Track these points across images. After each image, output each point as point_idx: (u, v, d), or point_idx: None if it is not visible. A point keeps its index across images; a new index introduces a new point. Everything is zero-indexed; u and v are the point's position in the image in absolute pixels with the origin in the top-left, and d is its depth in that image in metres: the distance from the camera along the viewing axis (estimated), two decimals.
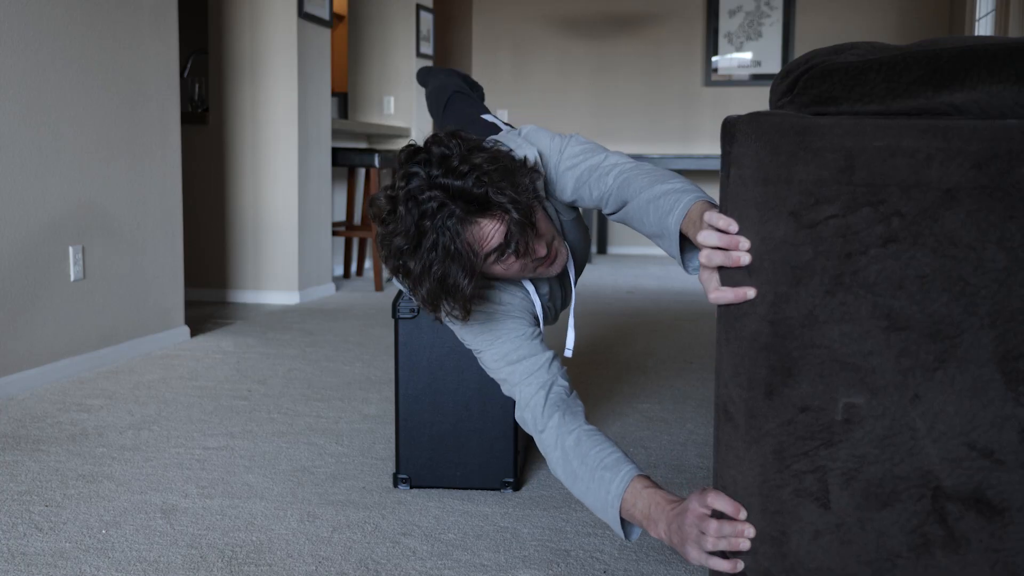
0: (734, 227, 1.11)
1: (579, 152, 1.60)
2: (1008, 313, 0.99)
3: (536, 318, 1.74)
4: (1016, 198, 0.98)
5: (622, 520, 1.45)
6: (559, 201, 1.68)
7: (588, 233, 1.97)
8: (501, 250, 1.47)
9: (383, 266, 1.56)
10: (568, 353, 1.83)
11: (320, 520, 1.98)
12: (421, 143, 1.50)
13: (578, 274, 1.95)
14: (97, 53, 3.35)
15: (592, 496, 1.48)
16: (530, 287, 1.74)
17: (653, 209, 1.40)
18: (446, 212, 1.42)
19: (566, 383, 1.66)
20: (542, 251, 1.55)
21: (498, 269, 1.53)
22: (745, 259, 1.09)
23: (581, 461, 1.51)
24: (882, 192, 1.02)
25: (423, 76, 3.10)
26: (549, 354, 1.68)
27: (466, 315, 1.52)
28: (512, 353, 1.66)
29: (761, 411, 1.11)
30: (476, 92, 2.93)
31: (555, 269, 1.62)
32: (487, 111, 2.53)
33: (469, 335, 1.71)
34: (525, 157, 1.56)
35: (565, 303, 1.93)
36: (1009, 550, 1.02)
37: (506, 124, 2.37)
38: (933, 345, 1.02)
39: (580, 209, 1.80)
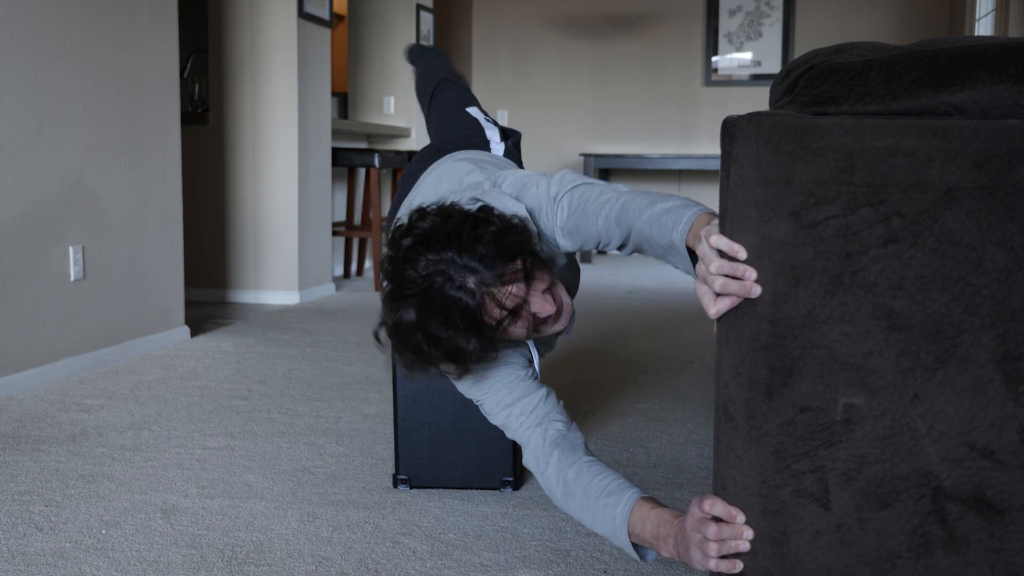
0: (742, 254, 1.10)
1: (569, 191, 1.58)
2: (1008, 313, 0.99)
3: (530, 361, 1.73)
4: (1016, 198, 0.98)
5: (635, 544, 1.45)
6: (555, 248, 1.66)
7: (578, 268, 1.98)
8: (513, 315, 1.47)
9: (394, 354, 1.56)
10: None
11: (320, 520, 1.98)
12: (411, 220, 1.49)
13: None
14: (97, 53, 3.35)
15: (601, 525, 1.48)
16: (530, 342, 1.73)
17: (656, 230, 1.38)
18: (456, 284, 1.41)
19: (563, 418, 1.64)
20: (550, 308, 1.52)
21: (509, 332, 1.52)
22: (756, 290, 1.09)
23: (584, 493, 1.51)
24: (882, 192, 1.02)
25: (412, 55, 3.03)
26: (543, 391, 1.66)
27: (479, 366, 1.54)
28: (507, 397, 1.66)
29: (761, 411, 1.11)
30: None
31: (561, 324, 1.60)
32: (474, 102, 2.50)
33: (466, 387, 1.70)
34: (516, 216, 1.53)
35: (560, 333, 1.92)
36: (1009, 550, 1.02)
37: (488, 120, 2.35)
38: (933, 345, 1.02)
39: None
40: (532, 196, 1.62)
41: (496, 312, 1.44)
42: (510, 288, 1.44)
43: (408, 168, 2.14)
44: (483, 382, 1.67)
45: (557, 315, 1.56)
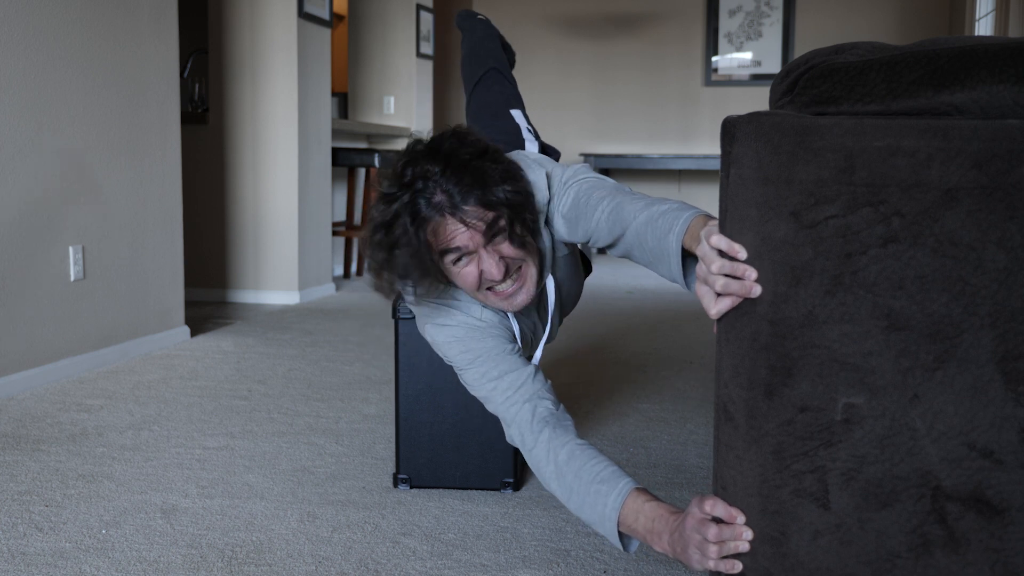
0: (743, 254, 1.10)
1: (578, 181, 1.58)
2: (1008, 313, 0.99)
3: (515, 336, 1.71)
4: (1016, 198, 0.98)
5: (620, 533, 1.43)
6: (558, 235, 1.65)
7: (581, 271, 1.92)
8: (452, 253, 1.50)
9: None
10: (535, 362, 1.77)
11: (320, 520, 1.98)
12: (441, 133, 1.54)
13: (567, 310, 1.91)
14: (97, 53, 3.35)
15: (588, 510, 1.45)
16: (511, 315, 1.70)
17: (651, 231, 1.38)
18: (425, 193, 1.46)
19: (552, 396, 1.62)
20: (496, 274, 1.51)
21: (454, 273, 1.53)
22: (757, 290, 1.09)
23: (575, 475, 1.48)
24: (882, 192, 1.02)
25: (462, 20, 2.89)
26: (531, 367, 1.64)
27: (415, 295, 1.57)
28: (493, 370, 1.62)
29: (761, 411, 1.11)
30: (508, 54, 2.81)
31: (515, 301, 1.58)
32: (518, 104, 2.45)
33: (450, 352, 1.68)
34: (526, 182, 1.55)
35: (550, 339, 1.85)
36: (1009, 550, 1.02)
37: (530, 129, 2.31)
38: (933, 345, 1.02)
39: (578, 246, 1.77)
40: (543, 174, 1.63)
41: (437, 240, 1.48)
42: (463, 228, 1.47)
43: None
44: (467, 351, 1.65)
45: (510, 287, 1.56)
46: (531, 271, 1.58)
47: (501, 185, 1.48)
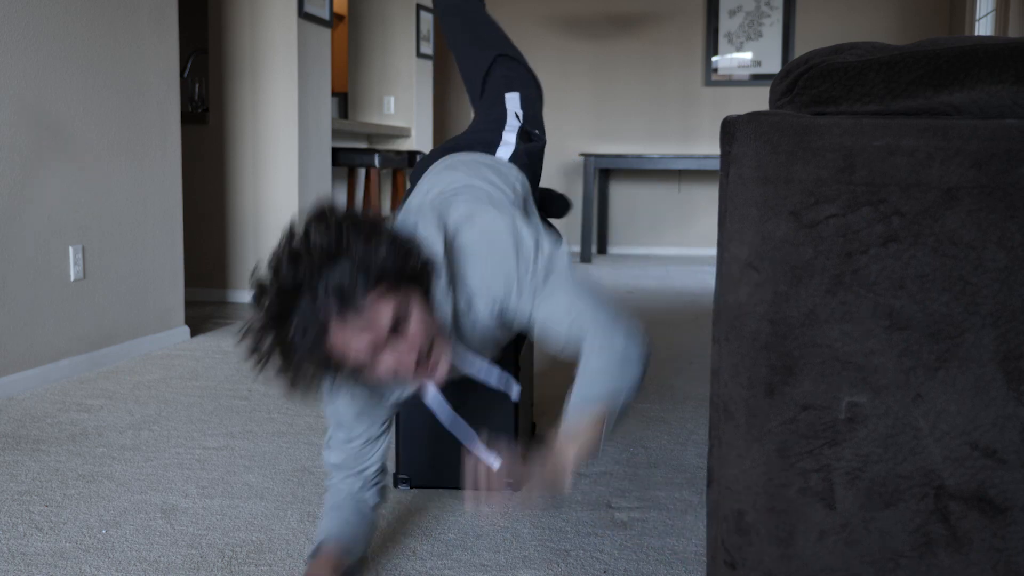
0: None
1: (560, 289, 1.54)
2: (1009, 313, 0.99)
3: (388, 423, 1.75)
4: (1016, 198, 0.98)
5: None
6: (517, 323, 1.58)
7: (508, 333, 1.69)
8: (368, 358, 1.38)
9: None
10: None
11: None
12: (315, 216, 1.39)
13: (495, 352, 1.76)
14: (97, 53, 3.35)
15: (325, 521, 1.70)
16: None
17: (577, 379, 1.54)
18: (316, 309, 1.32)
19: (379, 464, 1.75)
20: (410, 363, 1.39)
21: (366, 375, 1.42)
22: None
23: (336, 508, 1.71)
24: (882, 192, 1.02)
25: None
26: (382, 448, 1.75)
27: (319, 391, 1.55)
28: (346, 435, 1.73)
29: (762, 409, 1.11)
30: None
31: (439, 376, 1.45)
32: (519, 86, 2.28)
33: (328, 410, 1.75)
34: (426, 257, 1.43)
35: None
36: (1011, 549, 1.02)
37: (520, 116, 2.26)
38: (934, 345, 1.02)
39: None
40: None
41: (340, 347, 1.36)
42: (365, 327, 1.34)
43: (417, 165, 2.13)
44: (341, 416, 1.72)
45: (428, 369, 1.43)
46: (442, 343, 1.45)
47: (395, 263, 1.35)
